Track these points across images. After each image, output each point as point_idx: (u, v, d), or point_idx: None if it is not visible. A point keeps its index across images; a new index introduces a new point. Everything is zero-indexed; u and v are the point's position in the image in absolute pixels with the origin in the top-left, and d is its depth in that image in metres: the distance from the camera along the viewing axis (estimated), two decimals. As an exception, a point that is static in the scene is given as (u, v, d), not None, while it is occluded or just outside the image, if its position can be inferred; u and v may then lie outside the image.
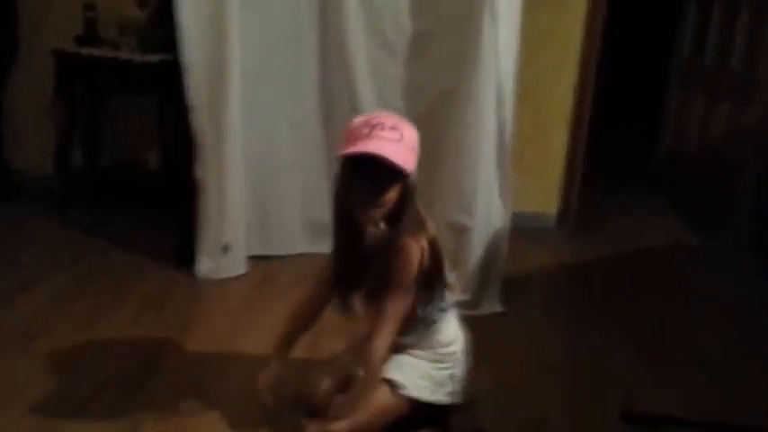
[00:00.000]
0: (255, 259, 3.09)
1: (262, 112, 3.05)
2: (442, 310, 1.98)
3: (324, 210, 3.18)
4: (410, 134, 1.77)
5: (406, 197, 1.78)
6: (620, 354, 2.57)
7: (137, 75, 3.38)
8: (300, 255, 3.20)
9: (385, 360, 1.89)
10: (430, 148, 2.96)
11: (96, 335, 2.48)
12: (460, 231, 2.86)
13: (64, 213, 3.58)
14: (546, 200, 3.79)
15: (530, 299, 3.01)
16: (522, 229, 3.14)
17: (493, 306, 2.84)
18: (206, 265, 2.99)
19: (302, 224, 3.25)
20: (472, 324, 2.68)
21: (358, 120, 1.78)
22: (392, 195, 1.75)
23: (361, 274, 1.89)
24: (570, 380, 2.38)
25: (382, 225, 1.83)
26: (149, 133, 3.61)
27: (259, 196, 3.13)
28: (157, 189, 3.61)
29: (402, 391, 1.93)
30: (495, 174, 2.84)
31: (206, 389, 2.19)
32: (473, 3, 2.74)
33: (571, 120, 3.69)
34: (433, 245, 1.85)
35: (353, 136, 1.74)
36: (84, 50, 3.47)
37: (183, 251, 3.03)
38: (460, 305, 2.81)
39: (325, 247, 3.16)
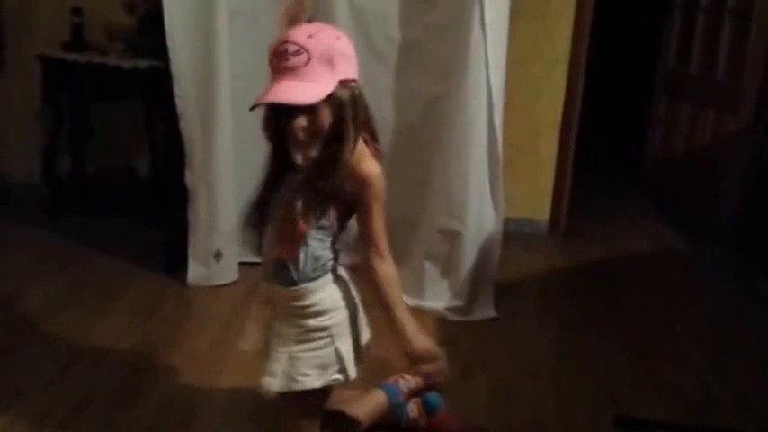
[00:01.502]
0: (247, 266, 3.10)
1: (252, 120, 3.06)
2: (326, 265, 1.79)
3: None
4: (320, 46, 1.58)
5: (341, 116, 1.62)
6: (612, 358, 2.62)
7: (125, 81, 3.38)
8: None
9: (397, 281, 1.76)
10: (421, 156, 3.04)
11: (85, 344, 2.48)
12: (452, 237, 2.91)
13: (51, 220, 3.59)
14: (537, 206, 3.85)
15: (522, 304, 3.06)
16: (513, 236, 3.19)
17: (486, 311, 2.88)
18: (197, 273, 3.01)
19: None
20: (465, 329, 2.75)
21: (272, 47, 1.62)
22: (321, 121, 1.61)
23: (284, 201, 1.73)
24: (562, 384, 2.42)
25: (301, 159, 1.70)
26: (138, 140, 3.62)
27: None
28: (146, 196, 3.62)
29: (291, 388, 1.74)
30: (487, 180, 2.88)
31: (197, 399, 2.19)
32: (462, 12, 2.79)
33: (560, 127, 3.76)
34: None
35: (269, 70, 1.63)
36: (71, 56, 3.48)
37: (173, 258, 3.05)
38: (453, 311, 2.89)
39: None
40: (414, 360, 1.75)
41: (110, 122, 3.83)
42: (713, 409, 2.32)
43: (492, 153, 2.86)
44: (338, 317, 1.77)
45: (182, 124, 2.89)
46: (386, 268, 1.75)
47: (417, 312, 2.87)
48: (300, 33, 1.59)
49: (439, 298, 2.94)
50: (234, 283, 3.03)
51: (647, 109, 4.73)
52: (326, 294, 1.77)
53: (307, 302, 1.74)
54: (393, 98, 3.13)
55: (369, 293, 1.77)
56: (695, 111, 4.14)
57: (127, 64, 3.38)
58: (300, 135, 1.62)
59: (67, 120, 3.73)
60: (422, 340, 1.77)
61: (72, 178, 3.85)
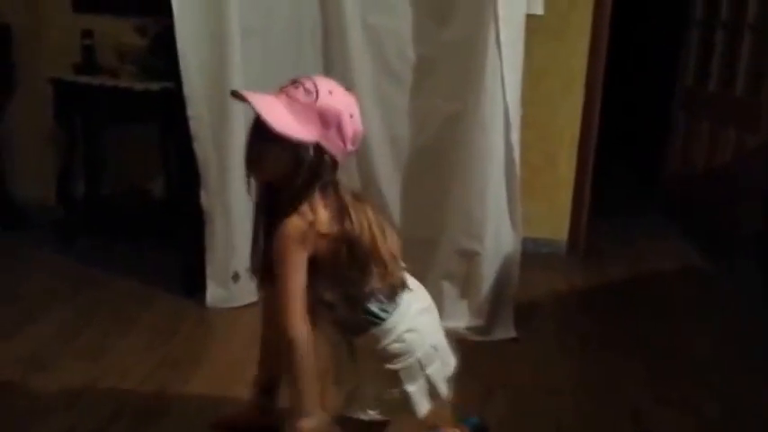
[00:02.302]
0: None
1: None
2: (385, 311, 1.78)
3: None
4: (332, 105, 1.65)
5: (298, 169, 1.66)
6: (632, 378, 2.66)
7: (137, 103, 3.45)
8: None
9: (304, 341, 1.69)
10: (438, 175, 3.09)
11: (102, 368, 2.53)
12: (471, 258, 2.95)
13: (67, 243, 3.66)
14: (556, 225, 3.90)
15: (542, 324, 3.11)
16: (532, 255, 3.24)
17: (506, 331, 2.93)
18: (215, 294, 3.06)
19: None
20: (485, 350, 2.80)
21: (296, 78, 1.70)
22: (274, 161, 1.66)
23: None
24: (584, 404, 2.46)
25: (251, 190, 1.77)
26: (152, 162, 3.70)
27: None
28: (162, 218, 3.69)
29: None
30: (505, 199, 2.93)
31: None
32: (477, 30, 2.84)
33: (578, 145, 3.81)
34: (350, 238, 1.71)
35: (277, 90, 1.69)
36: (83, 79, 3.56)
37: (190, 280, 3.11)
38: (473, 331, 2.94)
39: None
40: None
41: (123, 144, 3.91)
42: (736, 428, 2.36)
43: (509, 172, 2.91)
44: (416, 353, 1.80)
45: (195, 145, 2.96)
46: (294, 334, 1.68)
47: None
48: (326, 84, 1.68)
49: (458, 318, 2.97)
50: (253, 304, 3.05)
51: (666, 125, 4.80)
52: (396, 337, 1.78)
53: (381, 347, 1.78)
54: (408, 117, 3.18)
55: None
56: (715, 127, 4.19)
57: (139, 86, 3.45)
58: (249, 153, 1.69)
59: (81, 142, 3.81)
60: (315, 420, 1.72)
61: (87, 200, 3.92)
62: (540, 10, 2.97)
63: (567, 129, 3.79)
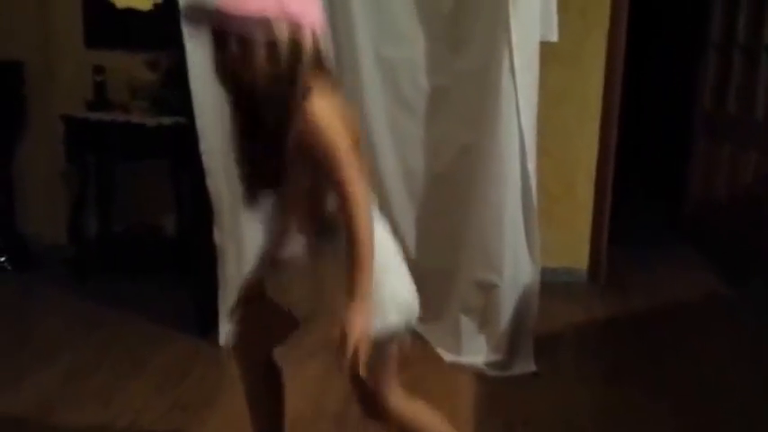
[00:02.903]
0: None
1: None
2: None
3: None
4: None
5: (277, 57, 1.51)
6: (657, 412, 2.61)
7: (149, 138, 3.47)
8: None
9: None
10: (453, 206, 3.08)
11: (114, 411, 2.51)
12: (489, 290, 2.93)
13: (79, 282, 3.66)
14: (575, 254, 3.87)
15: (563, 357, 3.06)
16: (552, 285, 3.20)
17: (526, 366, 2.89)
18: (229, 333, 3.04)
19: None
20: (505, 385, 2.76)
21: None
22: (254, 53, 1.50)
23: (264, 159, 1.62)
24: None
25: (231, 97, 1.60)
26: (164, 197, 3.70)
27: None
28: (174, 254, 3.68)
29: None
30: (522, 229, 2.91)
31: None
32: (490, 58, 2.84)
33: (595, 172, 3.79)
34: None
35: None
36: (94, 115, 3.58)
37: (203, 318, 3.09)
38: (492, 366, 2.90)
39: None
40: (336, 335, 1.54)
41: (134, 180, 3.92)
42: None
43: (526, 201, 2.89)
44: (389, 254, 1.73)
45: (208, 180, 2.95)
46: (365, 224, 1.57)
47: (454, 369, 2.93)
48: None
49: (477, 353, 2.95)
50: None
51: (685, 150, 4.76)
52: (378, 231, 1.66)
53: None
54: (422, 147, 3.18)
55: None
56: (735, 151, 4.15)
57: (151, 121, 3.47)
58: (221, 60, 1.52)
59: (93, 179, 3.82)
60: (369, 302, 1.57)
61: (99, 238, 3.93)
62: (554, 37, 2.95)
63: (584, 155, 3.78)
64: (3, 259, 3.82)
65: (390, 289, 1.70)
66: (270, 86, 1.52)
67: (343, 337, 1.51)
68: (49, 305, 3.47)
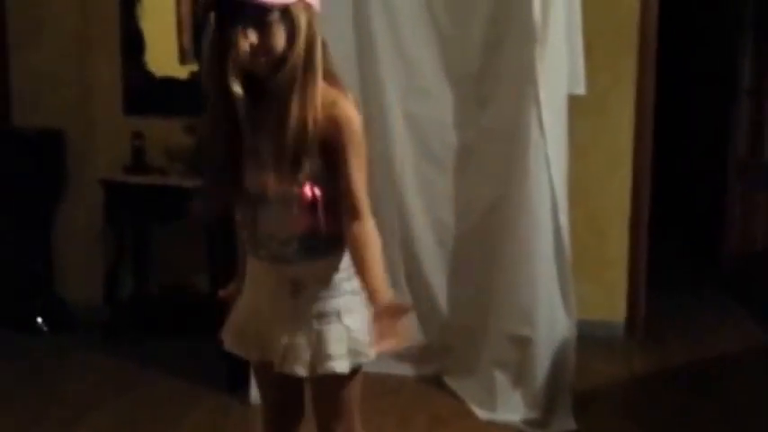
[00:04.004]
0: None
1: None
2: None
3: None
4: None
5: (296, 39, 1.48)
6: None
7: (186, 200, 3.50)
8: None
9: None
10: (485, 261, 3.05)
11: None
12: (523, 344, 2.87)
13: (113, 343, 3.66)
14: (611, 307, 3.76)
15: (603, 415, 2.96)
16: (588, 339, 3.11)
17: (565, 424, 2.79)
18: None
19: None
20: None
21: None
22: (273, 39, 1.48)
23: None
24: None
25: (238, 89, 1.51)
26: (197, 257, 3.71)
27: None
28: (207, 313, 3.68)
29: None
30: (556, 282, 2.86)
31: None
32: (518, 113, 2.84)
33: (629, 222, 3.72)
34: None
35: None
36: (133, 179, 3.65)
37: (233, 376, 3.06)
38: (529, 424, 2.81)
39: (380, 364, 3.17)
40: (379, 314, 1.53)
41: (169, 241, 3.95)
42: None
43: (559, 254, 2.85)
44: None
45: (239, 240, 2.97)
46: (359, 228, 1.57)
47: (490, 427, 2.84)
48: None
49: (513, 410, 2.87)
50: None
51: (721, 197, 4.67)
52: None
53: (348, 264, 1.63)
54: (452, 203, 3.18)
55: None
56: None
57: (187, 183, 3.52)
58: (243, 47, 1.46)
59: (129, 241, 3.87)
60: (389, 295, 1.57)
61: (133, 300, 3.96)
62: (581, 90, 2.94)
63: (616, 205, 3.71)
64: (40, 321, 3.84)
65: (366, 326, 1.64)
66: (289, 73, 1.49)
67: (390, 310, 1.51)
68: (82, 367, 3.46)
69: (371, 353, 1.62)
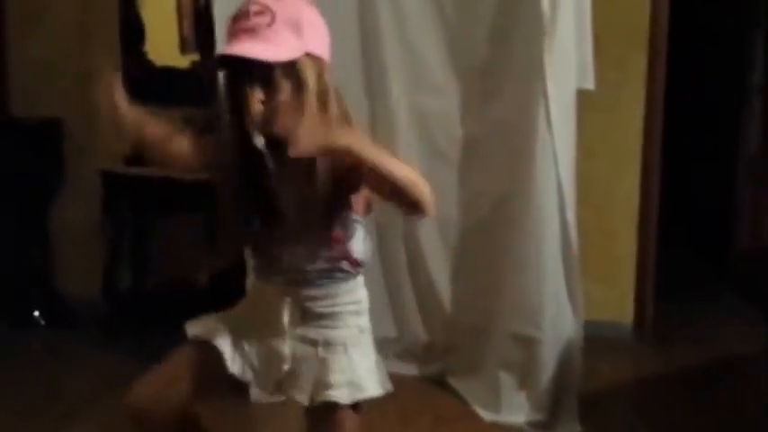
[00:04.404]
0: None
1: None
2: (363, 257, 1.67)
3: (380, 324, 3.17)
4: (287, 11, 1.50)
5: (303, 91, 1.51)
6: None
7: (186, 193, 3.46)
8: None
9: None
10: (490, 258, 3.00)
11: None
12: (528, 344, 2.83)
13: (111, 338, 3.62)
14: (619, 307, 3.72)
15: (609, 417, 2.92)
16: (595, 340, 3.06)
17: (570, 426, 2.75)
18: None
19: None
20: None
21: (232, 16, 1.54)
22: (282, 92, 1.51)
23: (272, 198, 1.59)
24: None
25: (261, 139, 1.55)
26: (197, 251, 3.67)
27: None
28: (207, 308, 3.64)
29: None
30: (563, 281, 2.82)
31: None
32: (525, 107, 2.80)
33: (638, 222, 3.67)
34: None
35: (228, 35, 1.53)
36: (134, 170, 3.59)
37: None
38: (534, 426, 2.76)
39: (393, 366, 3.18)
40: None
41: (168, 235, 3.92)
42: None
43: (566, 252, 2.80)
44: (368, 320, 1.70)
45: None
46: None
47: (494, 428, 2.80)
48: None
49: (517, 411, 2.83)
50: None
51: (730, 197, 4.62)
52: (365, 292, 1.70)
53: (355, 297, 1.67)
54: (458, 198, 3.13)
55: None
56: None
57: (188, 176, 3.46)
58: (256, 107, 1.50)
59: (128, 234, 3.82)
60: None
61: (132, 294, 3.92)
62: (590, 84, 2.90)
63: (624, 204, 3.67)
64: (37, 314, 3.82)
65: (371, 361, 1.69)
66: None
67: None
68: (80, 363, 3.42)
69: (375, 391, 1.63)
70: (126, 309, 3.80)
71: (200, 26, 3.77)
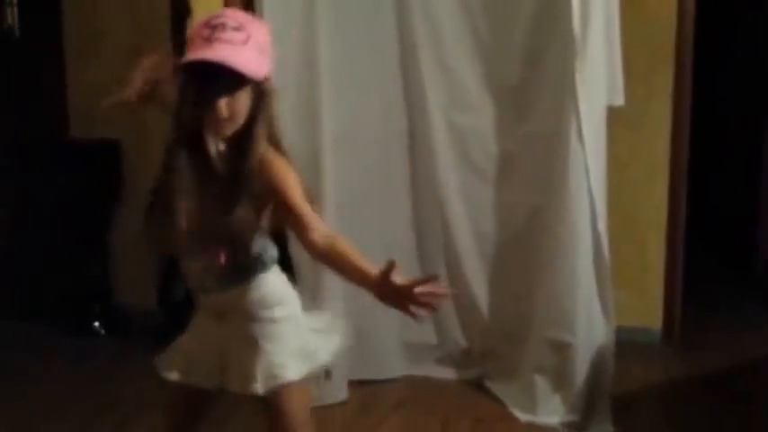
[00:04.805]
0: (354, 384, 3.14)
1: (357, 241, 3.15)
2: (273, 259, 1.77)
3: (421, 331, 3.28)
4: (260, 35, 1.58)
5: (259, 107, 1.60)
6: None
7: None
8: (399, 378, 3.27)
9: None
10: (524, 268, 3.07)
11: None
12: (563, 349, 2.89)
13: (166, 346, 3.69)
14: (647, 314, 3.75)
15: (641, 419, 2.96)
16: (625, 345, 3.11)
17: (603, 427, 2.81)
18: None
19: (400, 346, 3.30)
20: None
21: (201, 21, 1.59)
22: (241, 105, 1.57)
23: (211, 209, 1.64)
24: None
25: (221, 146, 1.63)
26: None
27: (356, 321, 3.20)
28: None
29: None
30: (595, 289, 2.88)
31: None
32: (558, 122, 2.87)
33: (666, 232, 3.71)
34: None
35: (194, 40, 1.55)
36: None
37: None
38: (568, 427, 2.83)
39: (424, 368, 3.27)
40: (390, 290, 1.53)
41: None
42: None
43: (598, 261, 2.86)
44: (296, 305, 1.78)
45: (290, 246, 3.03)
46: (322, 235, 1.61)
47: (531, 429, 2.87)
48: (238, 14, 1.59)
49: (553, 413, 2.89)
50: (344, 402, 3.06)
51: (755, 206, 4.63)
52: (281, 283, 1.77)
53: (264, 292, 1.73)
54: (492, 211, 3.20)
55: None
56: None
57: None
58: (225, 115, 1.55)
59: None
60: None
61: (185, 304, 3.99)
62: (620, 101, 2.96)
63: (653, 215, 3.71)
64: (96, 325, 3.93)
65: (307, 338, 1.77)
66: (252, 139, 1.59)
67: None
68: (135, 371, 3.42)
69: (289, 376, 1.70)
70: (180, 318, 3.87)
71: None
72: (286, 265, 2.94)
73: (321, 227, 1.62)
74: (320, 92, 2.98)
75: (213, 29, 1.53)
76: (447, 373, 3.27)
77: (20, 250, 4.04)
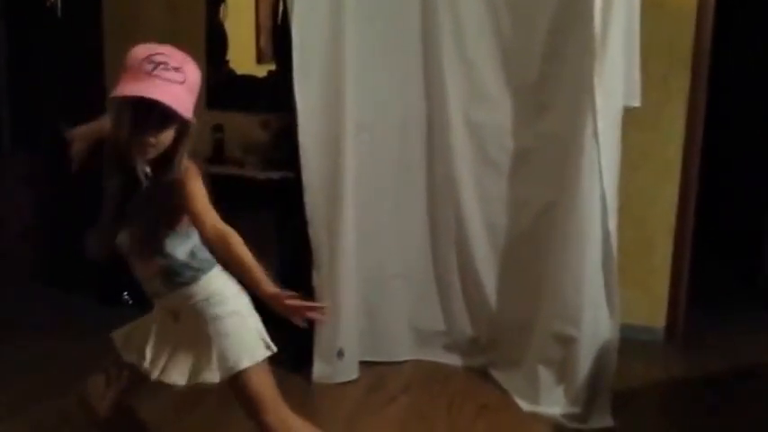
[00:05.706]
0: (365, 365, 3.15)
1: (373, 228, 3.17)
2: (209, 261, 1.88)
3: (431, 318, 3.28)
4: (193, 76, 1.72)
5: (181, 140, 1.72)
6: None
7: (258, 191, 3.58)
8: (407, 361, 3.28)
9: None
10: (534, 261, 3.05)
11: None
12: (567, 343, 2.87)
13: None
14: (652, 312, 3.71)
15: (640, 414, 2.94)
16: (628, 342, 3.08)
17: (603, 420, 2.79)
18: (321, 370, 3.07)
19: (410, 331, 3.31)
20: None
21: (141, 50, 1.69)
22: (167, 137, 1.70)
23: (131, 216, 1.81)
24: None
25: (147, 169, 1.77)
26: (269, 246, 3.77)
27: (369, 304, 3.21)
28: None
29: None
30: (602, 285, 2.84)
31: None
32: (574, 120, 2.83)
33: (674, 233, 3.66)
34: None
35: (135, 71, 1.66)
36: (213, 169, 3.72)
37: (299, 355, 3.11)
38: (569, 418, 2.81)
39: (432, 353, 3.26)
40: (279, 298, 1.74)
41: (240, 230, 4.01)
42: None
43: (607, 259, 2.83)
44: (241, 300, 1.87)
45: (310, 230, 3.03)
46: (212, 226, 1.77)
47: (532, 418, 2.85)
48: (177, 54, 1.70)
49: (555, 404, 2.88)
50: (355, 381, 3.08)
51: (762, 210, 4.55)
52: (223, 281, 1.87)
53: (210, 292, 1.84)
54: (506, 205, 3.17)
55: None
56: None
57: (261, 175, 3.59)
58: (153, 144, 1.68)
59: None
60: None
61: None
62: (637, 102, 2.91)
63: (663, 216, 3.66)
64: (126, 295, 3.96)
65: (255, 328, 1.90)
66: (176, 165, 1.73)
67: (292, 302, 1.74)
68: None
69: (244, 363, 1.83)
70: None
71: (276, 39, 3.90)
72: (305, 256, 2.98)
73: (213, 221, 1.77)
74: (344, 80, 2.96)
75: (156, 65, 1.65)
76: (454, 360, 3.27)
77: (52, 220, 4.07)
